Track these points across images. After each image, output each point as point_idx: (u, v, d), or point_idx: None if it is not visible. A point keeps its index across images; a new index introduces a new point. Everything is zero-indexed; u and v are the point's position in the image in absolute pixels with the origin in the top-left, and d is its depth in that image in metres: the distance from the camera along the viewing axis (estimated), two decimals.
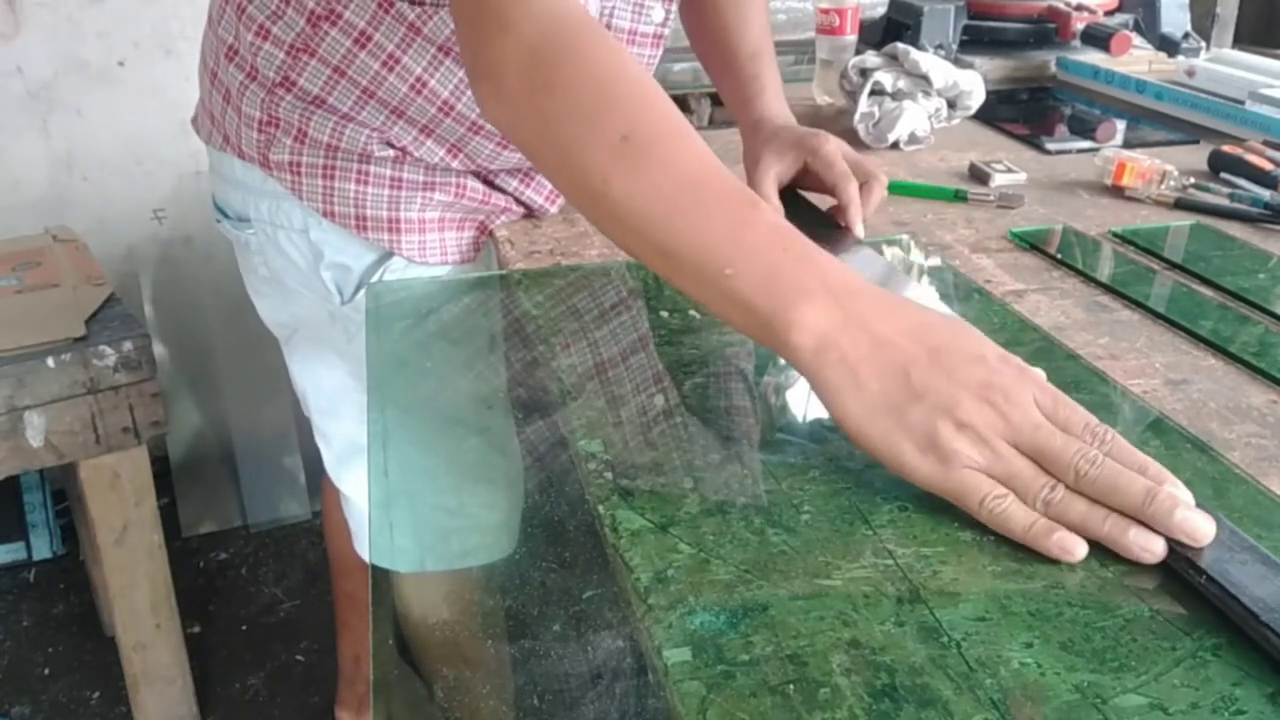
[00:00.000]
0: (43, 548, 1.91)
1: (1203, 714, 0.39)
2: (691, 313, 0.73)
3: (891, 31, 1.43)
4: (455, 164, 0.86)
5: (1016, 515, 0.48)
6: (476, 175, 0.88)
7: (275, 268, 0.93)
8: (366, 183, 0.85)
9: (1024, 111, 1.33)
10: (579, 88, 0.60)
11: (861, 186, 0.85)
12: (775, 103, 0.99)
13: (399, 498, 0.62)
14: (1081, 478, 0.48)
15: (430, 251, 0.88)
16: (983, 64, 1.36)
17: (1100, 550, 0.47)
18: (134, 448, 1.39)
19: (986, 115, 1.19)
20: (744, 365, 0.68)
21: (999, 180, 1.00)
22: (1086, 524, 0.48)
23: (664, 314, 0.73)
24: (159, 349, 1.93)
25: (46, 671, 1.69)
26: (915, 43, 1.35)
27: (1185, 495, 0.48)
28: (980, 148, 1.12)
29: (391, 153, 0.84)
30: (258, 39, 0.83)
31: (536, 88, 0.60)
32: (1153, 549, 0.47)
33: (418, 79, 0.81)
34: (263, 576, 1.91)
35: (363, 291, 0.90)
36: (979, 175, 1.02)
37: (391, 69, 0.81)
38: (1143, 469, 0.49)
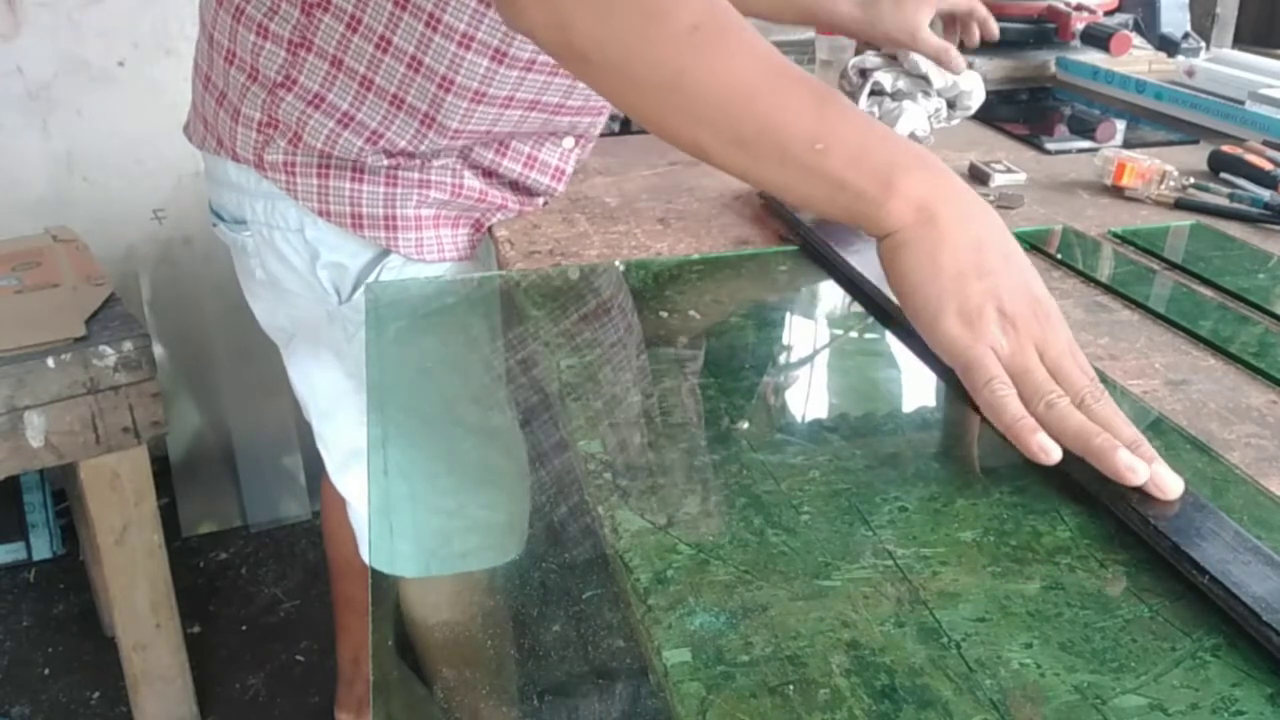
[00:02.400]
0: (43, 548, 1.91)
1: (1202, 714, 0.39)
2: (691, 313, 0.73)
3: None
4: (458, 144, 0.85)
5: (1011, 405, 0.52)
6: (474, 169, 0.88)
7: (272, 270, 0.93)
8: (362, 180, 0.85)
9: (1024, 111, 1.33)
10: None
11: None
12: None
13: (400, 500, 0.62)
14: (1083, 407, 0.52)
15: (427, 249, 0.88)
16: (983, 64, 1.36)
17: (1100, 549, 0.48)
18: (134, 448, 1.39)
19: (986, 115, 1.19)
20: (744, 365, 0.68)
21: (999, 180, 1.00)
22: (1081, 433, 0.51)
23: (663, 314, 0.73)
24: (159, 349, 1.93)
25: (46, 671, 1.69)
26: None
27: (1170, 476, 0.49)
28: (980, 148, 1.12)
29: (386, 161, 0.84)
30: (259, 39, 0.83)
31: None
32: (1138, 470, 0.48)
33: (412, 57, 0.81)
34: (263, 576, 1.91)
35: (360, 291, 0.90)
36: (979, 175, 1.02)
37: (385, 50, 0.81)
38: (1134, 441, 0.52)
